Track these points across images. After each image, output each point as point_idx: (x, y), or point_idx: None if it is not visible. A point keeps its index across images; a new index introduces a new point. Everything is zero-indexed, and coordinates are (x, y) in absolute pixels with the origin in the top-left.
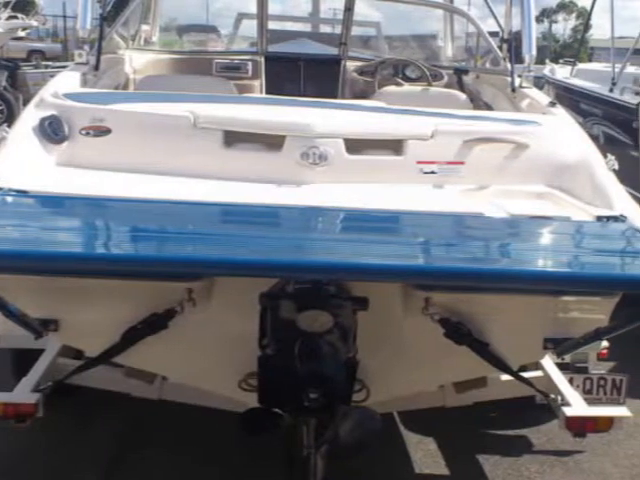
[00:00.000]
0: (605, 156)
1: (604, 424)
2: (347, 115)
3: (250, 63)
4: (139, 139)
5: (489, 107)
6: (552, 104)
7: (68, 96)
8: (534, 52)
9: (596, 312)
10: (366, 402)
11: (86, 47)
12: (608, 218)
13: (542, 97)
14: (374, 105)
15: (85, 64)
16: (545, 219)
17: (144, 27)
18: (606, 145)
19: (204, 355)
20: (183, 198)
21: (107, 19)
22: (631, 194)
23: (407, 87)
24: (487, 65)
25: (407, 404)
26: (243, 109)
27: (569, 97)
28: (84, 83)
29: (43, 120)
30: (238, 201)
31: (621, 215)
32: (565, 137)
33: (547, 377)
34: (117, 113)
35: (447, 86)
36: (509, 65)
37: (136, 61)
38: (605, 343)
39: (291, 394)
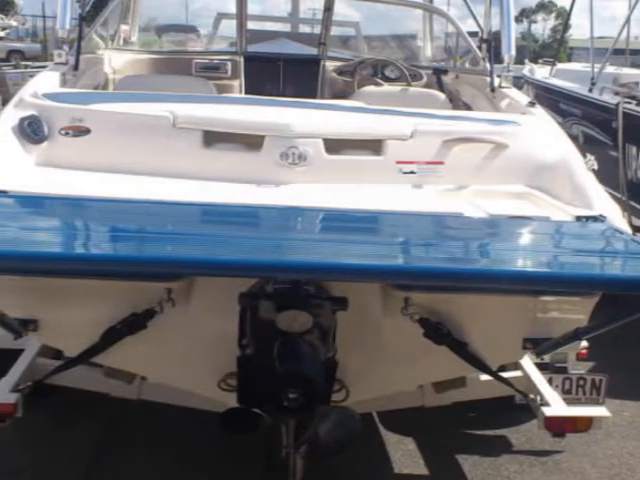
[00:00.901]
0: (584, 156)
1: (583, 424)
2: (326, 115)
3: (229, 63)
4: (118, 139)
5: (468, 107)
6: (531, 104)
7: (47, 96)
8: (513, 52)
9: (575, 312)
10: (345, 402)
11: (65, 47)
12: (587, 218)
13: (521, 97)
14: (353, 105)
15: (64, 64)
16: (524, 219)
17: (123, 27)
18: (585, 145)
19: (183, 355)
20: (162, 198)
21: (86, 19)
22: (610, 194)
23: (386, 87)
24: (466, 65)
25: (386, 404)
26: (222, 109)
27: (548, 97)
28: (63, 83)
29: (22, 120)
30: (217, 201)
31: (600, 215)
32: (544, 137)
33: (526, 377)
34: (96, 113)
35: (426, 86)
36: (488, 65)
37: (115, 61)
38: (584, 343)
39: (270, 394)
